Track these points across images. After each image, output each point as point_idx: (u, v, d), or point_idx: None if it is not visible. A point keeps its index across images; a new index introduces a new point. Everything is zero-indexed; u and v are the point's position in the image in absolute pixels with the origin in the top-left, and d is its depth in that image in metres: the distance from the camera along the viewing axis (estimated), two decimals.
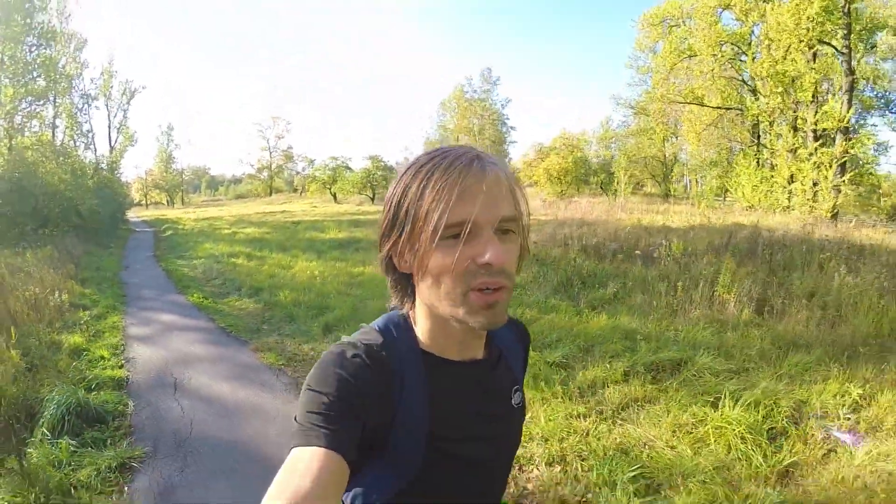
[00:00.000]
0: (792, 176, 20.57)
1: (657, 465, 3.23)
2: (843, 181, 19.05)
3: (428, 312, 0.86)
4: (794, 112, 21.13)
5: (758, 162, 23.65)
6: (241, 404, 4.42)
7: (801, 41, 19.05)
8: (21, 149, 19.09)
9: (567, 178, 32.19)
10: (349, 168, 37.90)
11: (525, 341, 1.10)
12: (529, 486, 3.16)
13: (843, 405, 3.93)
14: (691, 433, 3.59)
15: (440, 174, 0.76)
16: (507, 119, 47.86)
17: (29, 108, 22.08)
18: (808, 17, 18.40)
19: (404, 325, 0.89)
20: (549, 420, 3.78)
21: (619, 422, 3.83)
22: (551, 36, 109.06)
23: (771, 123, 22.88)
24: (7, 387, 4.13)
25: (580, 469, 3.25)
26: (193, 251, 15.11)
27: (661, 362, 4.77)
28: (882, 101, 27.15)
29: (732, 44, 23.73)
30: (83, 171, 23.43)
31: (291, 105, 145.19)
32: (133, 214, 36.04)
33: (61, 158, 20.74)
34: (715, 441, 3.46)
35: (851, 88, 19.83)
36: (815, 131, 19.90)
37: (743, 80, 24.46)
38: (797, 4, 18.64)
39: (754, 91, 23.31)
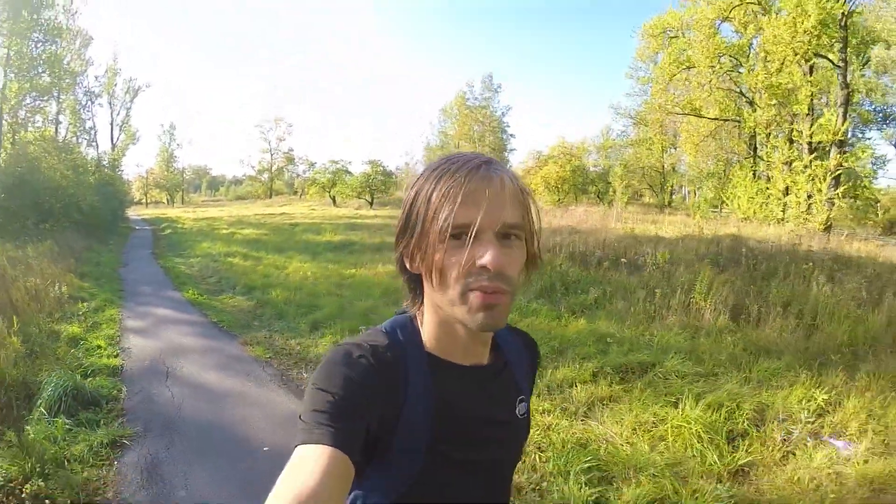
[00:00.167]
0: (787, 188, 20.63)
1: (613, 460, 3.41)
2: (837, 194, 19.08)
3: (434, 314, 0.87)
4: (791, 124, 21.20)
5: (754, 174, 23.71)
6: (228, 391, 4.70)
7: (796, 54, 19.12)
8: (24, 143, 19.26)
9: (564, 186, 32.28)
10: (349, 172, 37.92)
11: (533, 352, 1.09)
12: None
13: (807, 410, 4.02)
14: (650, 431, 3.77)
15: (448, 178, 0.78)
16: (508, 127, 48.08)
17: (33, 104, 22.26)
18: (805, 30, 18.45)
19: (411, 328, 0.90)
20: None
21: (583, 419, 4.02)
22: (554, 36, 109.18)
23: (767, 135, 22.95)
24: (8, 369, 4.38)
25: (538, 460, 3.45)
26: (191, 250, 15.42)
27: (631, 364, 4.94)
28: (880, 114, 27.42)
29: (731, 56, 23.80)
30: (85, 167, 23.56)
31: (292, 105, 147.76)
32: (133, 213, 36.32)
33: (63, 154, 20.86)
34: (672, 439, 3.63)
35: (847, 102, 19.86)
36: (810, 144, 19.95)
37: (741, 92, 24.48)
38: (794, 17, 18.68)
39: (752, 103, 23.35)
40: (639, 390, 4.42)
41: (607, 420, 3.96)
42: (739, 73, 24.02)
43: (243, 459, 3.54)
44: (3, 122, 19.56)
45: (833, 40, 19.41)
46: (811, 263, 8.25)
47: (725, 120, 24.97)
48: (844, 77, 19.71)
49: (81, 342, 5.88)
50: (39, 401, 3.93)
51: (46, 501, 2.89)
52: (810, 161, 19.72)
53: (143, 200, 58.08)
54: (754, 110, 22.59)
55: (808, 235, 13.95)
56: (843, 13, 18.87)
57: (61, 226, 15.80)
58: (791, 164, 20.82)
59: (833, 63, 19.96)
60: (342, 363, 0.79)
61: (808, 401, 4.16)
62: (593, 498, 3.08)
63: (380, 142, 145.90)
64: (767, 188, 21.89)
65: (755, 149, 25.05)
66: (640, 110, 33.34)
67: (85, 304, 7.72)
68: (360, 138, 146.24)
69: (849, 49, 19.95)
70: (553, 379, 4.68)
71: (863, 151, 21.88)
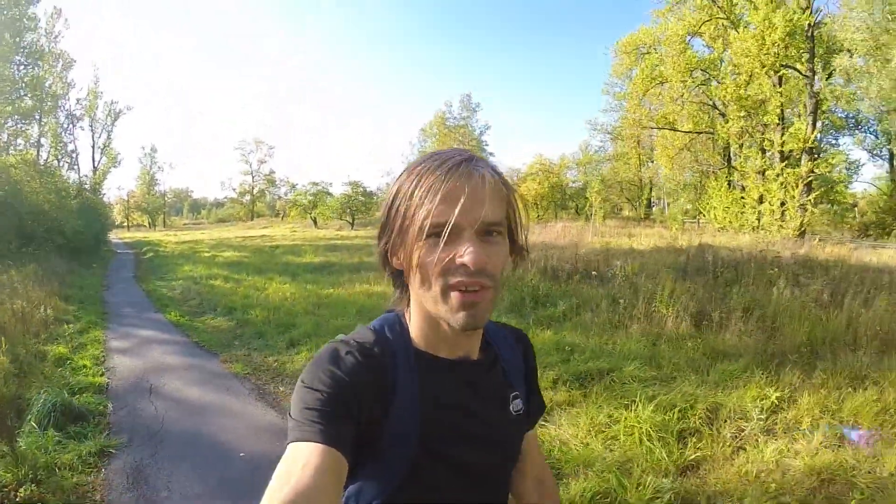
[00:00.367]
0: (761, 196, 21.07)
1: (566, 458, 3.64)
2: (810, 200, 19.54)
3: (420, 310, 0.86)
4: (762, 134, 21.67)
5: (729, 184, 24.13)
6: (208, 405, 4.96)
7: (763, 66, 19.56)
8: (6, 167, 19.24)
9: (543, 203, 32.63)
10: (329, 193, 38.27)
11: (525, 346, 1.08)
12: None
13: (760, 408, 4.22)
14: (604, 432, 3.99)
15: (429, 175, 0.78)
16: (487, 145, 48.78)
17: (15, 127, 22.30)
18: (773, 42, 18.93)
19: (398, 325, 0.90)
20: None
21: (541, 423, 4.23)
22: (532, 53, 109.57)
23: (740, 146, 23.47)
24: None
25: None
26: (173, 273, 15.57)
27: (591, 371, 5.16)
28: (852, 120, 27.94)
29: (702, 69, 24.36)
30: (67, 191, 23.51)
31: (271, 128, 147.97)
32: (115, 236, 36.02)
33: (45, 178, 20.83)
34: (624, 438, 3.85)
35: (816, 110, 20.38)
36: (781, 152, 20.43)
37: (713, 105, 24.99)
38: (762, 30, 19.20)
39: (724, 115, 23.77)
40: (595, 394, 4.62)
41: (564, 423, 4.16)
42: (712, 86, 24.52)
43: (222, 464, 3.79)
44: None
45: (801, 51, 19.89)
46: (777, 269, 8.50)
47: (699, 132, 25.47)
48: (812, 86, 20.19)
49: (68, 362, 6.07)
50: (29, 416, 4.13)
51: None
52: (782, 169, 20.15)
53: (125, 223, 57.79)
54: (727, 122, 23.00)
55: (782, 242, 14.32)
56: (809, 24, 19.33)
57: (44, 249, 15.79)
58: (764, 172, 21.25)
59: (801, 73, 20.40)
60: (330, 361, 0.80)
61: (762, 399, 4.35)
62: None
63: (361, 162, 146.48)
64: (742, 197, 22.29)
65: (729, 159, 25.57)
66: (617, 125, 33.86)
67: (70, 325, 7.89)
68: (339, 160, 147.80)
69: (816, 59, 20.42)
70: None
71: (834, 157, 22.46)
